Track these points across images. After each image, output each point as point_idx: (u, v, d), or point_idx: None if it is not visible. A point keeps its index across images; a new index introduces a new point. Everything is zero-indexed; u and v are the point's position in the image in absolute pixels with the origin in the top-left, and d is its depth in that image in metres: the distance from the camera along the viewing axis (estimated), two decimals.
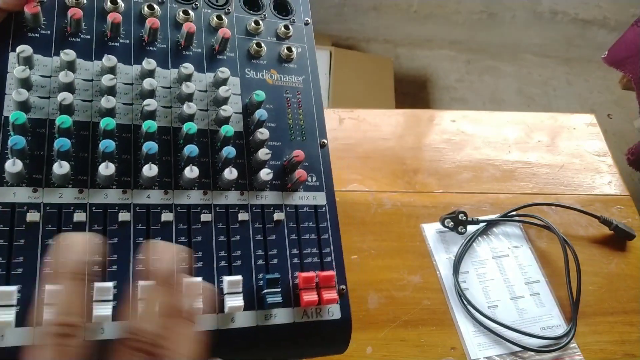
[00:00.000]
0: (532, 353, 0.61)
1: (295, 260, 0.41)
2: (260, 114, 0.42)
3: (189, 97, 0.41)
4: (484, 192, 0.77)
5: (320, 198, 0.44)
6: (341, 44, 2.09)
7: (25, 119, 0.35)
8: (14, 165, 0.33)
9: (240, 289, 0.37)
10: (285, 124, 0.45)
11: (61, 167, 0.34)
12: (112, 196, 0.37)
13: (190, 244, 0.38)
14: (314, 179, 0.45)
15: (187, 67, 0.41)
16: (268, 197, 0.42)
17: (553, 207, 0.75)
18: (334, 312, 0.41)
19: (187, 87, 0.41)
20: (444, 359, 0.60)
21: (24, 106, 0.36)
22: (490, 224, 0.72)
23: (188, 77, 0.42)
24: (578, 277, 0.67)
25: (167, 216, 0.38)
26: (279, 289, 0.38)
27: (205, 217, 0.39)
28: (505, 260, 0.70)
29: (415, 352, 0.61)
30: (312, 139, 0.46)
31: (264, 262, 0.40)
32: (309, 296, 0.39)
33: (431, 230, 0.71)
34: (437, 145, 0.82)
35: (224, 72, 0.43)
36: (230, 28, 0.46)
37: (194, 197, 0.39)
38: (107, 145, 0.36)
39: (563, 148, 0.84)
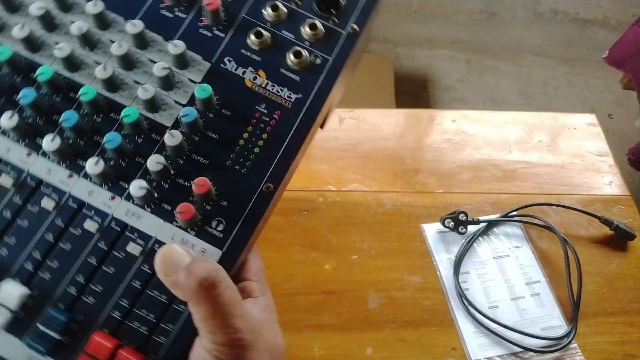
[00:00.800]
0: (532, 353, 0.61)
1: (116, 314, 0.29)
2: (186, 112, 0.32)
3: (121, 61, 0.33)
4: (485, 192, 0.76)
5: (209, 255, 0.31)
6: None
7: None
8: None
9: (15, 306, 0.28)
10: (234, 142, 0.33)
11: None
12: None
13: (11, 225, 0.30)
14: (220, 227, 0.31)
15: (136, 25, 0.33)
16: (141, 219, 0.31)
17: (554, 207, 0.75)
18: None
19: (117, 48, 0.32)
20: None
21: None
22: (491, 224, 0.72)
23: (137, 37, 0.33)
24: (579, 277, 0.67)
25: (5, 180, 0.30)
26: (56, 337, 0.28)
27: (48, 203, 0.30)
28: (505, 260, 0.69)
29: (416, 352, 0.60)
30: (257, 177, 0.32)
31: (75, 293, 0.29)
32: None
33: (431, 230, 0.71)
34: (437, 145, 0.82)
35: (177, 45, 0.33)
36: (241, 3, 0.35)
37: (55, 174, 0.31)
38: None
39: (564, 148, 0.84)
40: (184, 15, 0.35)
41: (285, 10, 0.35)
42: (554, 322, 0.64)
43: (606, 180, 0.80)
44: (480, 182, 0.78)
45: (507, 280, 0.68)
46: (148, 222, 0.31)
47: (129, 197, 0.31)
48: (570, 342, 0.62)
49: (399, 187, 0.76)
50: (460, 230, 0.70)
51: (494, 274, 0.68)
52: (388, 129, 0.83)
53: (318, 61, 0.35)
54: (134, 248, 0.30)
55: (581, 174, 0.81)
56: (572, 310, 0.65)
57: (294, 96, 0.34)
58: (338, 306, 0.63)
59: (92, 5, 0.33)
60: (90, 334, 0.29)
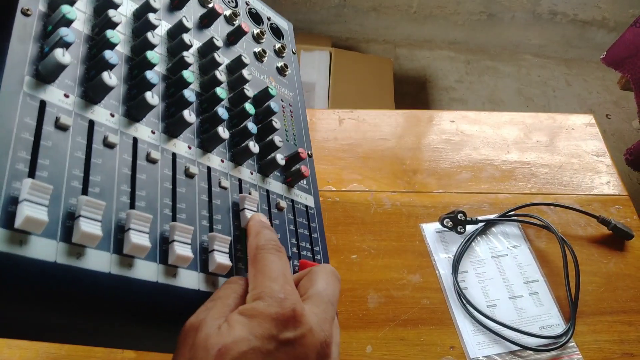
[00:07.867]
0: (531, 352, 0.61)
1: (294, 249, 0.41)
2: (275, 104, 0.44)
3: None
4: (483, 192, 0.77)
5: (310, 200, 0.46)
6: (341, 45, 2.09)
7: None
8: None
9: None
10: (281, 126, 0.47)
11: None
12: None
13: (210, 202, 0.36)
14: (305, 182, 0.46)
15: (219, 40, 0.43)
16: (272, 185, 0.43)
17: (552, 207, 0.75)
18: None
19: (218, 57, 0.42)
20: (443, 358, 0.61)
21: None
22: (489, 223, 0.73)
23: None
24: (577, 276, 0.67)
25: (194, 170, 0.36)
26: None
27: (224, 183, 0.38)
28: (504, 259, 0.70)
29: (415, 351, 0.61)
30: (302, 146, 0.48)
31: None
32: None
33: (430, 230, 0.72)
34: (436, 145, 0.82)
35: (246, 58, 0.44)
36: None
37: (214, 161, 0.39)
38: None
39: (562, 148, 0.84)
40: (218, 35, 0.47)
41: (264, 35, 0.53)
42: (552, 321, 0.65)
43: (604, 180, 0.81)
44: (479, 182, 0.78)
45: (506, 279, 0.68)
46: (276, 185, 0.43)
47: (260, 171, 0.42)
48: (568, 340, 0.62)
49: (398, 187, 0.76)
50: (458, 229, 0.70)
51: (492, 273, 0.68)
52: (387, 129, 0.83)
53: (290, 71, 0.53)
54: (282, 203, 0.42)
55: (579, 174, 0.81)
56: (570, 309, 0.65)
57: (291, 94, 0.52)
58: (338, 305, 0.63)
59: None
60: (293, 267, 0.40)
